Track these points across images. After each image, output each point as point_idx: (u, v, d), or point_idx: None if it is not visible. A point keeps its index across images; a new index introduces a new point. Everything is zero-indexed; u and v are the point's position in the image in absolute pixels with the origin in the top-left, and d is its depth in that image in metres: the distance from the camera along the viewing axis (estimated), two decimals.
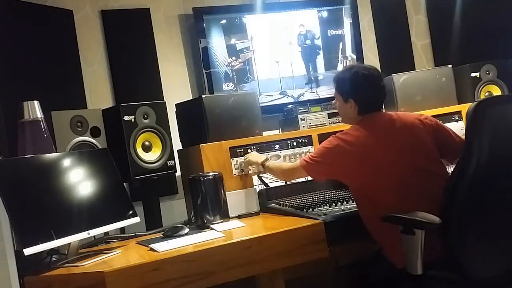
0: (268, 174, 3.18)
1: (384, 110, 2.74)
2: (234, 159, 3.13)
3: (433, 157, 2.54)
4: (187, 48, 4.08)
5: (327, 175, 2.72)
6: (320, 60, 4.32)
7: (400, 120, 2.59)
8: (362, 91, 2.62)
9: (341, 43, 4.42)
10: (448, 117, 3.57)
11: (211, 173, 2.90)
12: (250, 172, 3.14)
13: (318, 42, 4.33)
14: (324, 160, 2.59)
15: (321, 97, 4.23)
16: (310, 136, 3.35)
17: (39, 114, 2.70)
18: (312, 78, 4.25)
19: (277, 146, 3.26)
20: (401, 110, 3.38)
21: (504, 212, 2.24)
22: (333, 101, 2.81)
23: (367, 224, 2.54)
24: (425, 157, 2.51)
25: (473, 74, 3.88)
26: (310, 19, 4.32)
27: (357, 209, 2.67)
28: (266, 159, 3.06)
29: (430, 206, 2.31)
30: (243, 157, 3.13)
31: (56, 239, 2.30)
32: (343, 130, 2.62)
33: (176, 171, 3.32)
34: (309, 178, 3.33)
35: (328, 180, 3.26)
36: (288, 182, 3.32)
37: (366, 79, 2.61)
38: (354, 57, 4.42)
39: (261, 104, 3.56)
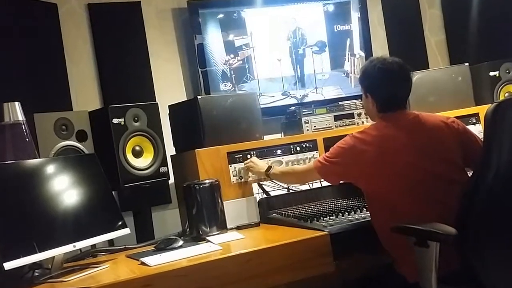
0: (271, 181, 3.19)
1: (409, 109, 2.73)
2: (232, 165, 3.14)
3: (456, 164, 2.55)
4: (181, 45, 4.09)
5: (342, 177, 2.72)
6: (325, 58, 4.33)
7: (425, 121, 2.60)
8: (378, 86, 2.64)
9: (348, 40, 4.43)
10: (465, 119, 3.57)
11: (207, 181, 2.90)
12: (250, 179, 3.15)
13: (315, 39, 4.34)
14: (339, 161, 2.61)
15: (326, 98, 4.24)
16: (315, 140, 3.36)
17: (20, 116, 2.70)
18: (300, 79, 4.23)
19: (279, 151, 3.27)
20: (414, 110, 3.38)
21: None
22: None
23: (380, 234, 2.55)
24: (446, 163, 2.51)
25: (491, 73, 3.90)
26: (314, 13, 4.33)
27: (365, 219, 2.69)
28: (270, 167, 3.07)
29: (448, 216, 2.31)
30: (243, 163, 3.14)
31: (39, 252, 2.30)
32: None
33: (169, 179, 3.33)
34: (315, 185, 3.37)
35: (338, 186, 3.27)
36: (291, 190, 3.32)
37: (382, 73, 2.61)
38: (363, 54, 4.43)
39: (262, 106, 3.57)
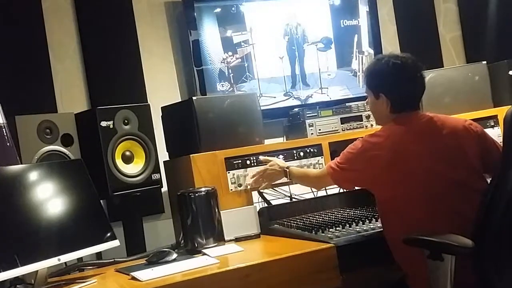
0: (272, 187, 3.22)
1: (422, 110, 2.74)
2: (230, 171, 3.14)
3: (475, 170, 2.56)
4: (175, 41, 4.10)
5: (355, 184, 2.77)
6: (331, 56, 4.34)
7: (441, 123, 2.62)
8: (393, 84, 2.66)
9: (356, 36, 4.43)
10: (482, 122, 3.57)
11: (203, 189, 2.91)
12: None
13: (320, 35, 4.34)
14: (350, 167, 2.63)
15: (332, 99, 4.24)
16: (320, 145, 3.37)
17: (0, 119, 2.71)
18: (297, 79, 4.24)
19: (281, 157, 3.27)
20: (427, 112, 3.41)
21: None
22: (366, 100, 2.83)
23: (391, 245, 2.56)
24: (464, 169, 2.53)
25: (511, 72, 3.90)
26: (319, 8, 4.34)
27: (375, 230, 2.70)
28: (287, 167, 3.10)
29: (464, 226, 2.32)
30: (242, 170, 3.15)
31: (21, 266, 2.30)
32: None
33: (162, 186, 3.33)
34: (320, 193, 3.38)
35: (345, 194, 3.29)
36: (294, 199, 3.33)
37: (398, 70, 2.64)
38: (372, 52, 4.44)
39: (262, 107, 3.57)
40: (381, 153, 2.53)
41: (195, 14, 3.99)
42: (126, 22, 3.92)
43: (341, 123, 3.60)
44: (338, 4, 4.39)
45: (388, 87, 2.67)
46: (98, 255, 3.03)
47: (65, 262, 2.64)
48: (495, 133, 3.54)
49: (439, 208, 2.45)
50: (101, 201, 2.88)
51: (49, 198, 2.60)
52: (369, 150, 2.57)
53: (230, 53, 4.06)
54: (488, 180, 2.53)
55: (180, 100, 3.91)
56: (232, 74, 4.06)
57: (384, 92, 2.67)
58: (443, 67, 4.60)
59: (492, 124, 3.67)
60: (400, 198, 2.51)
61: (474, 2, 4.80)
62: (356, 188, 2.92)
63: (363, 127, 3.62)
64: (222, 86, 4.02)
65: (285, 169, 3.08)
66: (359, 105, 3.66)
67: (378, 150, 2.55)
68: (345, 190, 3.29)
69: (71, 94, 3.76)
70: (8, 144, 2.71)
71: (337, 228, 2.83)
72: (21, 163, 2.80)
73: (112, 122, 3.14)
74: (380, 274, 2.64)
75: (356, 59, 4.41)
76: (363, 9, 4.47)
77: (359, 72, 4.38)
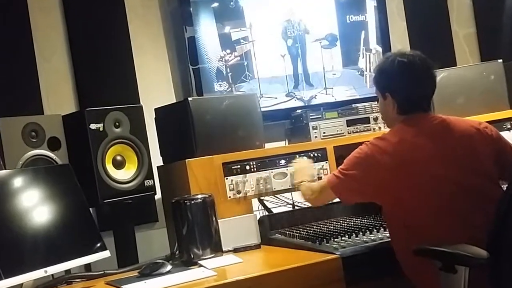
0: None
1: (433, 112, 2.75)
2: (228, 177, 3.15)
3: (489, 176, 2.57)
4: (170, 38, 4.10)
5: (359, 195, 2.68)
6: (336, 54, 4.34)
7: (453, 126, 2.63)
8: (400, 83, 2.67)
9: (363, 32, 4.44)
10: (498, 124, 3.57)
11: (199, 196, 2.92)
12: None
13: (324, 31, 4.36)
14: (356, 173, 2.60)
15: (337, 100, 4.25)
16: (324, 149, 3.37)
17: None
18: (300, 78, 4.24)
19: (282, 162, 3.28)
20: (439, 114, 3.42)
21: None
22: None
23: (400, 257, 2.56)
24: (478, 176, 2.54)
25: None
26: (324, 2, 4.34)
27: (383, 240, 2.71)
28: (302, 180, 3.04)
29: (479, 236, 2.32)
30: (240, 176, 3.16)
31: (5, 278, 2.31)
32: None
33: (155, 193, 3.33)
34: None
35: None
36: (296, 207, 3.33)
37: (404, 69, 2.64)
38: (380, 49, 4.44)
39: (263, 109, 3.59)
40: (388, 158, 2.54)
41: (191, 9, 3.98)
42: (117, 17, 3.92)
43: (347, 126, 3.61)
44: None
45: (393, 87, 2.68)
46: (87, 267, 3.03)
47: (52, 274, 2.64)
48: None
49: (450, 216, 2.45)
50: (90, 209, 2.89)
51: (35, 206, 2.61)
52: (376, 154, 2.57)
53: (228, 51, 4.07)
54: (504, 187, 2.54)
55: (175, 101, 3.91)
56: (230, 74, 4.06)
57: (390, 92, 2.68)
58: (456, 65, 4.61)
59: (509, 126, 3.67)
60: (407, 206, 2.51)
61: None
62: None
63: (370, 129, 3.62)
64: (220, 86, 4.03)
65: (299, 183, 3.04)
66: (366, 106, 3.67)
67: (385, 155, 2.55)
68: None
69: (58, 94, 3.76)
70: None
71: (343, 238, 2.83)
72: (5, 169, 2.80)
73: (102, 124, 3.14)
74: (388, 286, 2.65)
75: (363, 57, 4.42)
76: (371, 4, 4.48)
77: (366, 71, 4.39)
